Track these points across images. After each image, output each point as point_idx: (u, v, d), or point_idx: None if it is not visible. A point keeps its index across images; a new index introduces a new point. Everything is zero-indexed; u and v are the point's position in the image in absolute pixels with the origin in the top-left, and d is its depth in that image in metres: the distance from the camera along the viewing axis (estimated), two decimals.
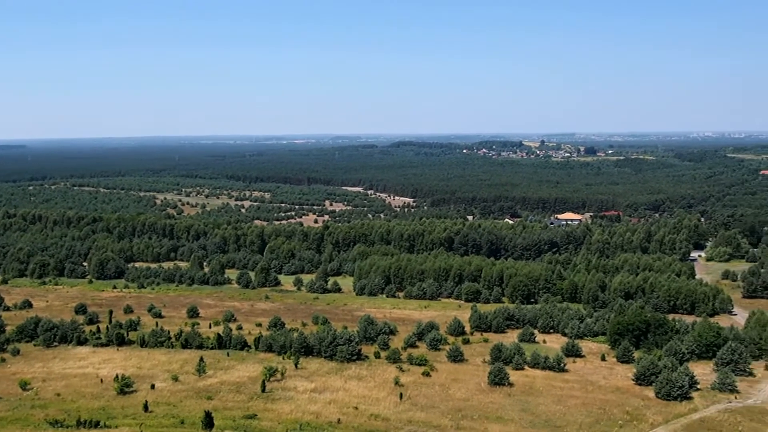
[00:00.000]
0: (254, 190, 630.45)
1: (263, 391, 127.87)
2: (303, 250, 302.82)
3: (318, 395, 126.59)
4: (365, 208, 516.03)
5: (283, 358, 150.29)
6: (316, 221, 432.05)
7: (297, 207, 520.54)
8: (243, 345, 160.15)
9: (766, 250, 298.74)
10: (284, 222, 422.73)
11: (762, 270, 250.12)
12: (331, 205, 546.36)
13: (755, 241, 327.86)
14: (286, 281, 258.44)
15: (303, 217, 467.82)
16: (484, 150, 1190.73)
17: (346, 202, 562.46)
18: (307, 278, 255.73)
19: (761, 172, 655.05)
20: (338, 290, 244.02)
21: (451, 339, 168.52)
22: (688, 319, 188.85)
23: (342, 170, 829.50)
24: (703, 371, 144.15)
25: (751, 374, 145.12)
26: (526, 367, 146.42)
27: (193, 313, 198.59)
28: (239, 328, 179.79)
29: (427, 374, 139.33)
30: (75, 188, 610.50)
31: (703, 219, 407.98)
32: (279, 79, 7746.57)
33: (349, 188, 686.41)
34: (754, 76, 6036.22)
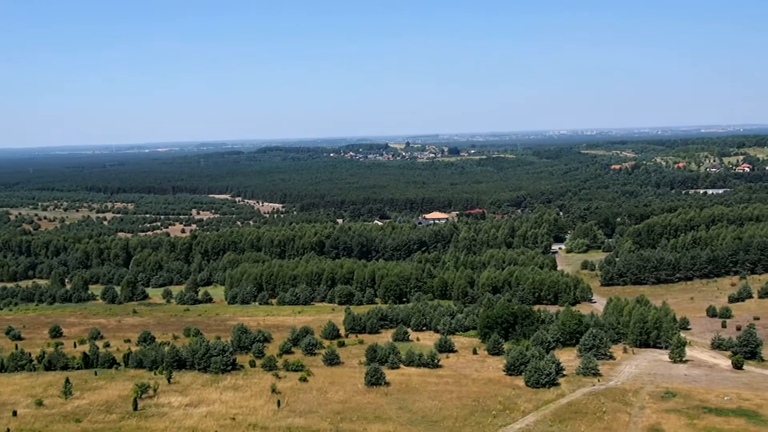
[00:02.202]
0: (116, 202, 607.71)
1: (135, 409, 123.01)
2: (171, 261, 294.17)
3: (193, 409, 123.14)
4: (234, 216, 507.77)
5: (155, 374, 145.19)
6: (183, 231, 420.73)
7: (162, 217, 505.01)
8: (112, 363, 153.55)
9: (620, 240, 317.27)
10: (150, 233, 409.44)
11: (617, 259, 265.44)
12: (198, 213, 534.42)
13: (610, 232, 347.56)
14: (155, 294, 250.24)
15: (169, 227, 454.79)
16: (351, 153, 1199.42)
17: (213, 210, 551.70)
18: (176, 290, 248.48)
19: (612, 167, 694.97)
20: (209, 300, 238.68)
21: (326, 343, 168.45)
22: (552, 309, 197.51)
23: (208, 178, 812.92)
24: (568, 358, 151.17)
25: (611, 357, 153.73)
26: (401, 365, 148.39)
27: (55, 332, 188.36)
28: (107, 345, 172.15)
29: (304, 379, 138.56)
30: None
31: (561, 213, 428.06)
32: (140, 86, 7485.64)
33: (217, 196, 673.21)
34: (604, 75, 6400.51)
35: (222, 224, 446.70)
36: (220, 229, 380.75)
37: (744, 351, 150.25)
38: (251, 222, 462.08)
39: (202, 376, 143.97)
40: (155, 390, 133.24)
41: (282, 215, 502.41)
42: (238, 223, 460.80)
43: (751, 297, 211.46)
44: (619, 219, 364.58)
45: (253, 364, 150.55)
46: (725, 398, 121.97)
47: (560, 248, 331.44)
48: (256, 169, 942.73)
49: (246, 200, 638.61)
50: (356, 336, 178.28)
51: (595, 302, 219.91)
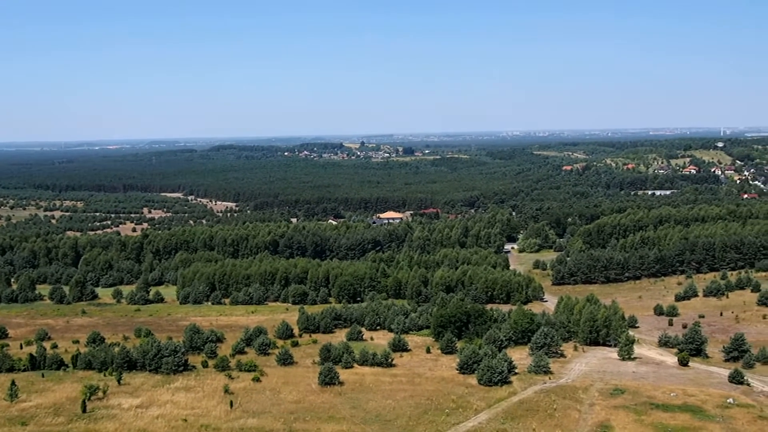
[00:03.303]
0: (65, 200, 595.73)
1: (84, 411, 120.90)
2: (121, 261, 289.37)
3: (144, 411, 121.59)
4: (186, 215, 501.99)
5: (105, 375, 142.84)
6: (134, 230, 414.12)
7: (113, 216, 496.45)
8: (60, 364, 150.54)
9: (571, 240, 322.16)
10: (100, 232, 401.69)
11: (568, 258, 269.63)
12: (149, 212, 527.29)
13: (561, 232, 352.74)
14: (105, 294, 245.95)
15: (120, 226, 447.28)
16: (305, 152, 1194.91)
17: (165, 209, 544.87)
18: (127, 290, 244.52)
19: (564, 168, 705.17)
20: (161, 300, 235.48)
21: (280, 342, 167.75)
22: (505, 307, 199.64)
23: (160, 176, 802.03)
24: (520, 356, 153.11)
25: (562, 355, 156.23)
26: (355, 365, 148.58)
27: (1, 333, 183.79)
28: (54, 346, 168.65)
29: (257, 380, 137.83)
30: None
31: (514, 213, 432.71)
32: (90, 82, 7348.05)
33: (169, 194, 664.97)
34: (556, 77, 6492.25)
35: (174, 223, 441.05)
36: (172, 228, 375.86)
37: (689, 348, 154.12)
38: (204, 221, 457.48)
39: (154, 377, 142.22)
40: (105, 392, 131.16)
41: (235, 214, 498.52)
42: (191, 222, 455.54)
43: (696, 296, 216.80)
44: (570, 219, 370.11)
45: (205, 365, 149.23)
46: (671, 394, 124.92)
47: (513, 248, 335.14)
48: (209, 167, 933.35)
49: (199, 199, 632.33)
50: (310, 336, 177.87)
51: (546, 301, 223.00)
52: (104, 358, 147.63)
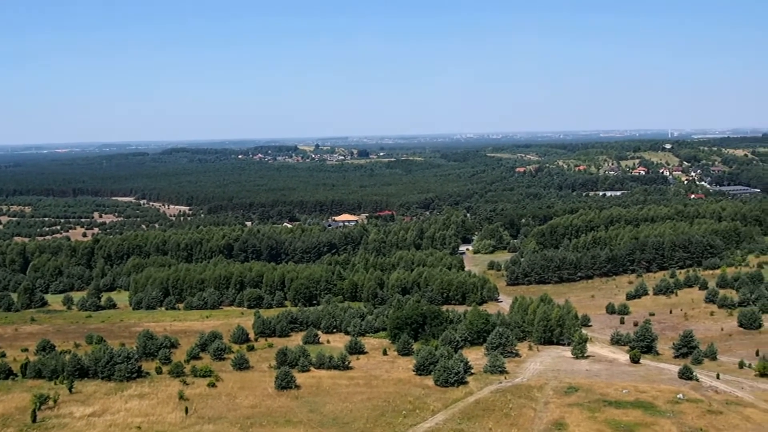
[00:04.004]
0: (12, 204, 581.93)
1: (34, 421, 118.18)
2: (72, 267, 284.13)
3: (97, 419, 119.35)
4: (138, 219, 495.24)
5: (56, 383, 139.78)
6: (84, 235, 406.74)
7: (62, 220, 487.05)
8: (8, 373, 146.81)
9: (525, 240, 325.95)
10: (49, 237, 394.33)
11: (522, 259, 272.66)
12: (100, 216, 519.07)
13: (515, 233, 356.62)
14: (55, 301, 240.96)
15: (70, 231, 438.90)
16: (259, 155, 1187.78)
17: (117, 213, 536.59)
18: (77, 296, 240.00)
19: (517, 170, 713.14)
20: (113, 306, 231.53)
21: (235, 347, 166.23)
22: (460, 308, 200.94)
23: (111, 180, 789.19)
24: (476, 356, 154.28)
25: (517, 355, 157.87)
26: (312, 368, 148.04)
27: None
28: (2, 355, 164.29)
29: (212, 385, 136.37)
30: None
31: (468, 215, 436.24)
32: (38, 84, 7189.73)
33: (120, 198, 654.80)
34: (509, 79, 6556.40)
35: (126, 227, 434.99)
36: (124, 233, 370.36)
37: (641, 346, 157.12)
38: (157, 225, 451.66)
39: (106, 384, 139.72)
40: (55, 401, 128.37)
41: (189, 218, 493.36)
42: (143, 226, 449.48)
43: (646, 294, 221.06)
44: (523, 220, 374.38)
45: (159, 371, 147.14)
46: (624, 391, 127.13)
47: (468, 249, 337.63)
48: (161, 170, 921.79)
49: (151, 203, 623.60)
50: (266, 340, 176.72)
51: (501, 301, 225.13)
52: (55, 366, 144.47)
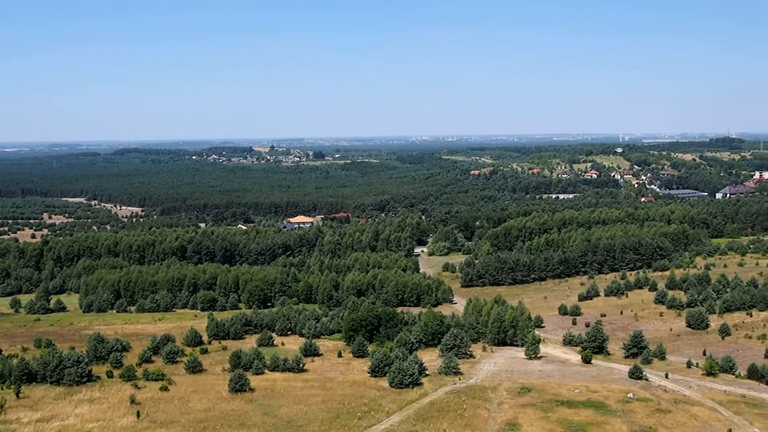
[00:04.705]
0: None
1: None
2: (20, 269, 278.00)
3: (45, 424, 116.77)
4: (89, 220, 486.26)
5: (2, 389, 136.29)
6: (33, 236, 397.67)
7: (10, 221, 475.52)
8: None
9: (479, 242, 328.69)
10: None
11: (476, 261, 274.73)
12: (50, 218, 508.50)
13: (469, 235, 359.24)
14: (2, 304, 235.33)
15: (18, 232, 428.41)
16: (214, 156, 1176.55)
17: (67, 215, 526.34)
18: (25, 299, 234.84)
19: (472, 172, 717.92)
20: (63, 309, 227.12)
21: (188, 350, 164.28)
22: (415, 310, 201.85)
23: (61, 180, 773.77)
24: (431, 358, 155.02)
25: (471, 356, 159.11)
26: (266, 371, 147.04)
27: None
28: None
29: (165, 389, 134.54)
30: None
31: (423, 217, 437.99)
32: None
33: (71, 199, 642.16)
34: (463, 84, 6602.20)
35: (76, 229, 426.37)
36: (74, 234, 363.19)
37: (592, 346, 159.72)
38: (108, 226, 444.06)
39: (55, 389, 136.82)
40: (2, 406, 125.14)
41: (141, 219, 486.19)
42: (94, 227, 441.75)
43: (598, 295, 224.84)
44: (478, 222, 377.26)
45: (110, 375, 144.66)
46: (576, 391, 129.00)
47: (423, 251, 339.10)
48: (113, 171, 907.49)
49: (103, 204, 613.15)
50: (220, 342, 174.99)
51: (456, 303, 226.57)
52: (1, 371, 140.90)
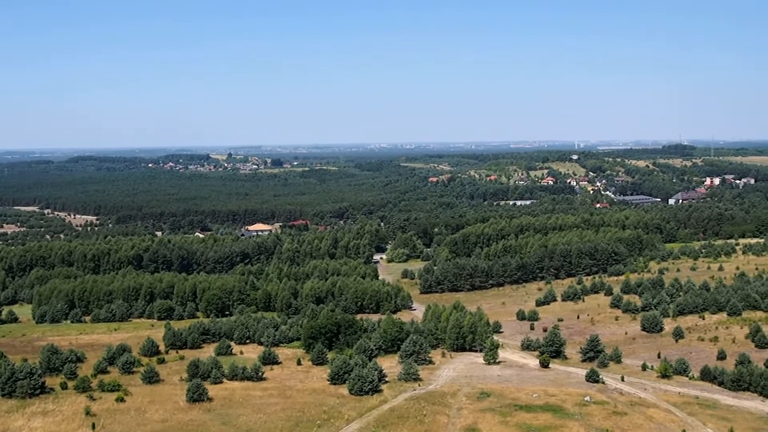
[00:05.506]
0: None
1: None
2: None
3: None
4: (42, 229, 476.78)
5: None
6: None
7: None
8: None
9: (438, 249, 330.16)
10: None
11: (435, 267, 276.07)
12: (1, 227, 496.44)
13: (428, 241, 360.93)
14: None
15: None
16: (170, 164, 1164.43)
17: (19, 223, 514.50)
18: None
19: (430, 179, 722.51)
20: (15, 320, 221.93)
21: (145, 360, 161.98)
22: (375, 317, 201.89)
23: (13, 188, 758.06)
24: (390, 364, 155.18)
25: (431, 362, 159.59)
26: (224, 380, 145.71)
27: None
28: None
29: (121, 400, 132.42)
30: None
31: (382, 224, 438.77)
32: None
33: (23, 208, 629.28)
34: (420, 91, 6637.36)
35: (29, 238, 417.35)
36: (26, 244, 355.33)
37: (550, 351, 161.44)
38: (62, 235, 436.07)
39: (7, 402, 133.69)
40: None
41: (96, 228, 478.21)
42: (48, 236, 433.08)
43: (555, 300, 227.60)
44: (436, 229, 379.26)
45: (64, 386, 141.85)
46: (534, 395, 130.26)
47: (382, 258, 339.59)
48: (67, 179, 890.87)
49: (56, 212, 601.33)
50: (177, 352, 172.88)
51: (415, 309, 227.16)
52: None
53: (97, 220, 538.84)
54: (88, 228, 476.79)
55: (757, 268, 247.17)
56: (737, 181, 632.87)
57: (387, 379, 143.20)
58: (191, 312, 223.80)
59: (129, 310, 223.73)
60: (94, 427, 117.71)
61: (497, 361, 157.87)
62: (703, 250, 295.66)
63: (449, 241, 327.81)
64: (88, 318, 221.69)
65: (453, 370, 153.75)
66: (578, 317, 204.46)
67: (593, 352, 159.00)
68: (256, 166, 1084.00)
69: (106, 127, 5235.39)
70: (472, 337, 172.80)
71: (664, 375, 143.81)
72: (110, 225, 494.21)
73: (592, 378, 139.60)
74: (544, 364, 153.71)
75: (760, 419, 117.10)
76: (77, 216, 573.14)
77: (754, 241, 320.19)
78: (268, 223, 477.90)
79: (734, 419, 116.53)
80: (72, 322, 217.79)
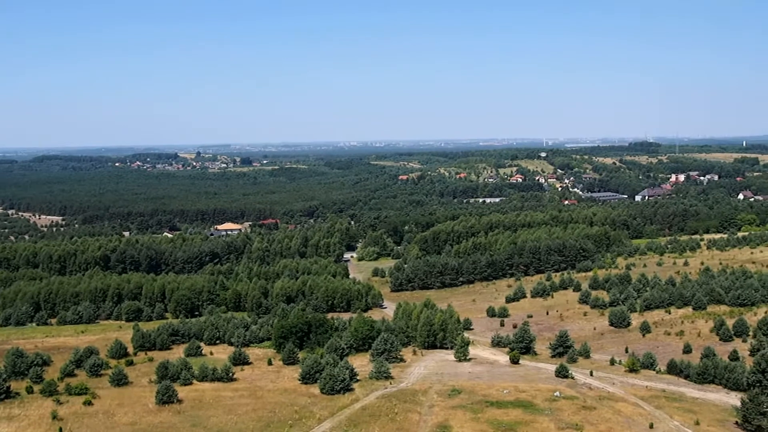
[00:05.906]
0: None
1: None
2: None
3: None
4: (6, 230, 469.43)
5: None
6: None
7: None
8: None
9: (408, 247, 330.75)
10: None
11: (405, 265, 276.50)
12: None
13: (398, 239, 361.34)
14: None
15: None
16: (138, 163, 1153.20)
17: None
18: None
19: (400, 177, 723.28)
20: None
21: (113, 362, 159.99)
22: (346, 316, 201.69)
23: None
24: (362, 363, 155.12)
25: (402, 360, 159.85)
26: (194, 381, 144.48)
27: None
28: None
29: (89, 403, 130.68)
30: None
31: (353, 222, 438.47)
32: None
33: None
34: (390, 88, 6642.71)
35: None
36: None
37: (520, 347, 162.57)
38: (27, 236, 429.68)
39: None
40: None
41: (62, 228, 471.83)
42: (12, 237, 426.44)
43: (525, 297, 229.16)
44: (407, 227, 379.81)
45: (30, 391, 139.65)
46: (504, 391, 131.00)
47: (352, 256, 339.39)
48: (32, 179, 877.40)
49: (20, 213, 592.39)
50: (146, 353, 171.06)
51: (386, 308, 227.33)
52: None
53: (62, 220, 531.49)
54: (54, 228, 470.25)
55: (720, 263, 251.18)
56: (701, 178, 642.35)
57: (358, 377, 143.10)
58: (160, 313, 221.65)
59: (96, 312, 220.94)
60: (61, 431, 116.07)
61: (468, 358, 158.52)
62: (669, 246, 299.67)
63: (419, 239, 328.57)
64: (54, 320, 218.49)
65: (424, 367, 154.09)
66: (547, 313, 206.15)
67: (562, 347, 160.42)
68: (225, 165, 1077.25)
69: (71, 125, 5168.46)
70: (443, 335, 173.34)
71: (632, 369, 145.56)
72: (76, 225, 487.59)
73: (562, 373, 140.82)
74: (515, 361, 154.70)
75: (725, 411, 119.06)
76: (42, 216, 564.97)
77: (718, 236, 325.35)
78: (237, 223, 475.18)
79: (700, 411, 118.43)
80: (38, 324, 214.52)
